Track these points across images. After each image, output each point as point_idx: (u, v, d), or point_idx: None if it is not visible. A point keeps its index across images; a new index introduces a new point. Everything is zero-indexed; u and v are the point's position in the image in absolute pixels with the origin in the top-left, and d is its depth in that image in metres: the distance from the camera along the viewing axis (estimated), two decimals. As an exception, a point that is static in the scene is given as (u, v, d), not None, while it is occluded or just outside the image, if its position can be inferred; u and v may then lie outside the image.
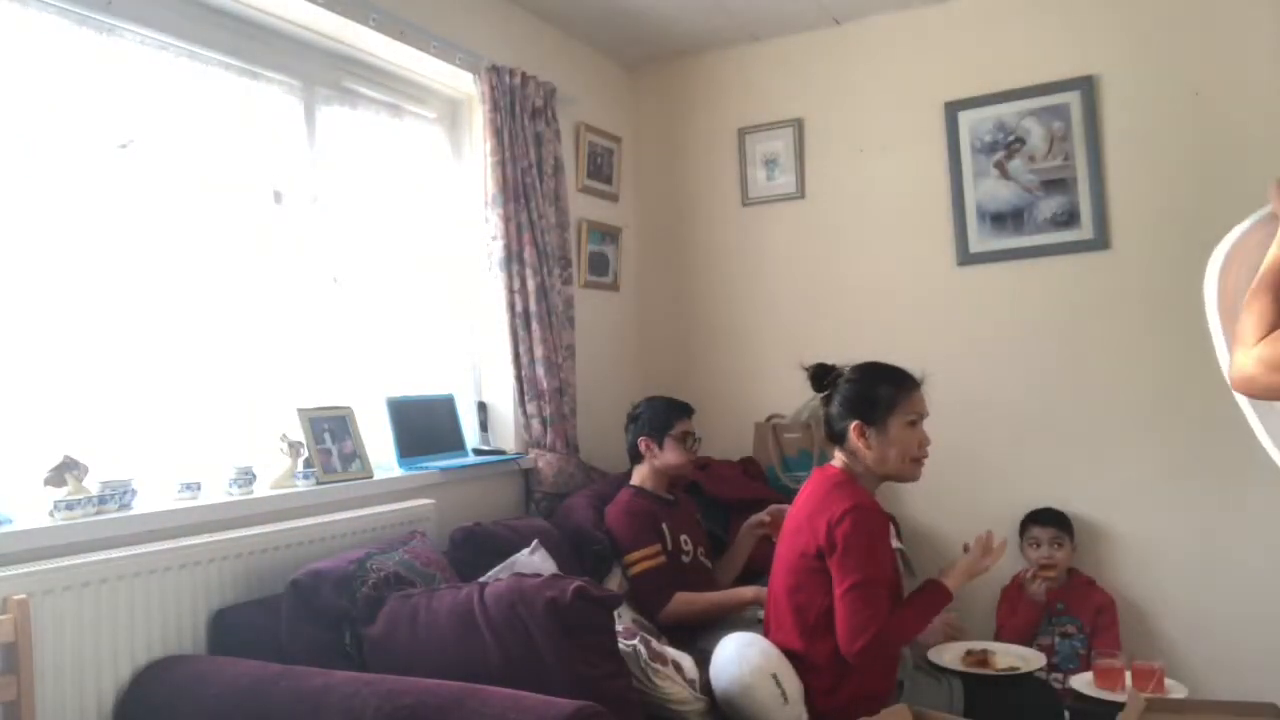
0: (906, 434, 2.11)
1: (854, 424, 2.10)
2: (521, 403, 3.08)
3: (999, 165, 3.33)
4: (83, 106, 2.09)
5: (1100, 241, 3.18)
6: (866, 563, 1.99)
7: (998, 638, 2.93)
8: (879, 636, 1.95)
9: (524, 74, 3.12)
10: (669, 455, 2.78)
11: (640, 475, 2.84)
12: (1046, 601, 2.99)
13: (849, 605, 1.97)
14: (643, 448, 2.81)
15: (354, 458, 2.52)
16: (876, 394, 2.12)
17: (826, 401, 2.20)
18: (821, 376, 2.23)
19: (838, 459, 2.18)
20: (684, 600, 2.60)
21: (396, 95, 3.00)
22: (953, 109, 3.39)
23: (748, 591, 2.66)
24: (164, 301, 2.24)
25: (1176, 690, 2.33)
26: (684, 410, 2.85)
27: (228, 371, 2.37)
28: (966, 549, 2.19)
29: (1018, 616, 3.02)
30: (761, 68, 3.76)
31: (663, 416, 2.81)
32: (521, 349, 3.05)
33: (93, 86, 2.12)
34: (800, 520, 2.10)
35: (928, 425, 2.18)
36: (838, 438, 2.17)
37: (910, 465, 2.14)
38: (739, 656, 2.03)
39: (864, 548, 2.00)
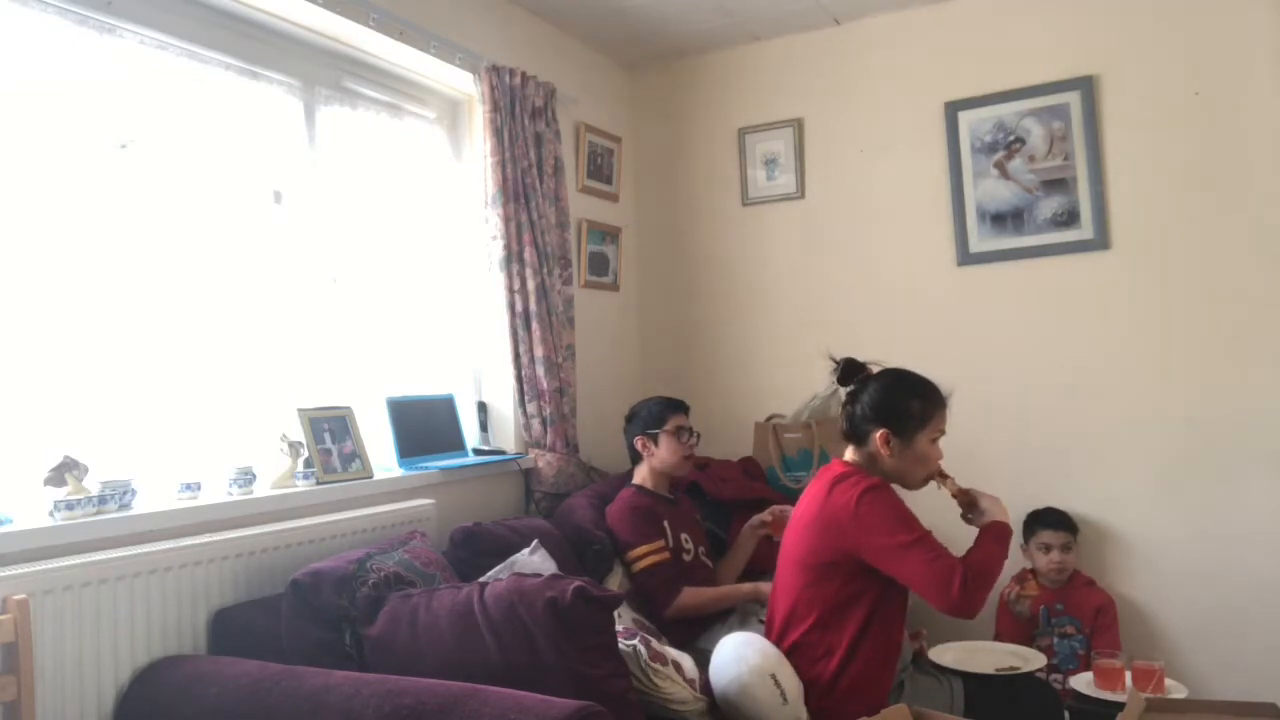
0: (929, 450, 2.12)
1: (881, 432, 2.09)
2: (521, 403, 3.08)
3: (999, 165, 3.33)
4: (83, 106, 2.09)
5: (1100, 241, 3.18)
6: (903, 525, 1.98)
7: (997, 638, 2.94)
8: (968, 573, 1.91)
9: (524, 74, 3.12)
10: (664, 451, 2.79)
11: (640, 475, 2.84)
12: (1033, 615, 3.00)
13: (921, 561, 1.93)
14: (639, 446, 2.82)
15: (354, 458, 2.52)
16: (909, 408, 2.10)
17: (851, 399, 2.18)
18: (851, 372, 2.20)
19: (849, 456, 2.17)
20: (693, 593, 2.60)
21: (396, 95, 3.00)
22: (953, 109, 3.39)
23: (745, 586, 2.67)
24: (164, 301, 2.24)
25: (1176, 690, 2.33)
26: (677, 406, 2.85)
27: (228, 371, 2.37)
28: (947, 480, 2.19)
29: (1005, 625, 3.03)
30: (761, 68, 3.76)
31: (656, 413, 2.82)
32: (521, 349, 3.05)
33: (93, 86, 2.11)
34: (813, 515, 2.09)
35: None
36: (858, 437, 2.15)
37: (925, 480, 2.15)
38: (738, 656, 2.03)
39: (892, 515, 1.99)
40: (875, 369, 2.21)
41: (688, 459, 2.84)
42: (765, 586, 2.54)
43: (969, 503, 2.16)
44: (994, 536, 2.06)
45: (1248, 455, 2.98)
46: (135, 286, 2.18)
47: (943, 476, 2.17)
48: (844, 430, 2.20)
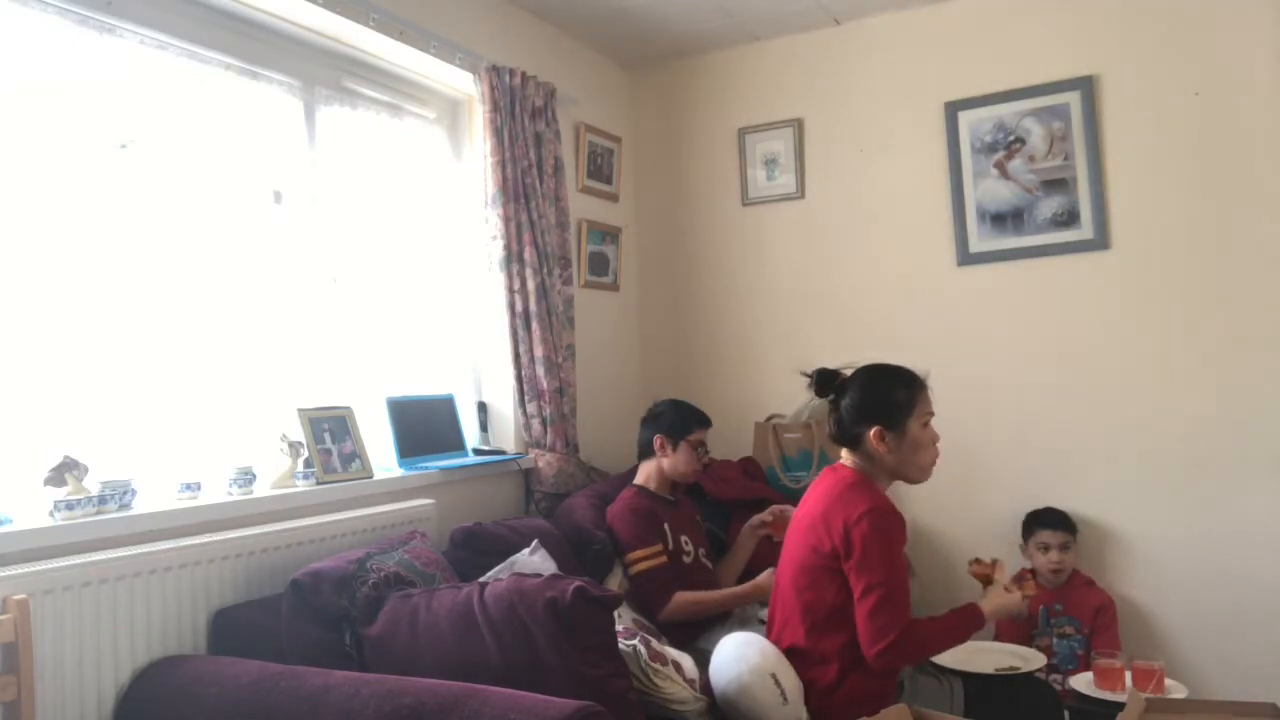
0: (923, 434, 2.12)
1: (874, 429, 2.09)
2: (521, 403, 3.08)
3: (999, 165, 3.33)
4: (83, 106, 2.09)
5: (1100, 241, 3.18)
6: (885, 564, 1.98)
7: (997, 638, 2.93)
8: (901, 640, 1.94)
9: (524, 74, 3.12)
10: (680, 459, 2.79)
11: (645, 474, 2.84)
12: (1031, 614, 3.00)
13: (870, 608, 1.96)
14: (657, 445, 2.81)
15: (354, 458, 2.52)
16: (894, 398, 2.11)
17: (834, 406, 2.19)
18: (827, 382, 2.21)
19: (849, 460, 2.17)
20: (684, 600, 2.60)
21: (396, 95, 3.00)
22: (953, 109, 3.39)
23: (742, 588, 2.65)
24: (164, 301, 2.24)
25: (1176, 690, 2.33)
26: (704, 420, 2.87)
27: (228, 371, 2.37)
28: (974, 563, 2.22)
29: (1005, 625, 3.03)
30: (761, 68, 3.76)
31: (684, 420, 2.83)
32: (521, 349, 3.05)
33: (93, 86, 2.12)
34: (814, 518, 2.09)
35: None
36: (851, 441, 2.15)
37: (929, 466, 2.14)
38: (738, 656, 2.03)
39: (882, 549, 1.99)
40: (848, 372, 2.21)
41: (697, 471, 2.85)
42: (764, 579, 2.54)
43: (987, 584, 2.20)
44: (959, 620, 2.07)
45: (1248, 455, 2.98)
46: (135, 286, 2.18)
47: (991, 564, 2.23)
48: (834, 436, 2.20)
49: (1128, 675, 2.33)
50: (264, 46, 2.54)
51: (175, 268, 2.27)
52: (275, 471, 2.36)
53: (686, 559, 2.73)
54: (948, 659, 2.34)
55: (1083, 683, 2.40)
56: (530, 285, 3.04)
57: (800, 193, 3.69)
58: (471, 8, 3.10)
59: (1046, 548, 3.06)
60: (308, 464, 2.40)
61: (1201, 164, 3.05)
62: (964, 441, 3.15)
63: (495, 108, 2.99)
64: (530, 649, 1.71)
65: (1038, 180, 3.28)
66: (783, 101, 3.72)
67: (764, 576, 2.57)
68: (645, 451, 2.86)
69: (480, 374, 3.21)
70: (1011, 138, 3.32)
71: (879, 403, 2.11)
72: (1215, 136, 3.04)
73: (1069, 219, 3.23)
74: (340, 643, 1.94)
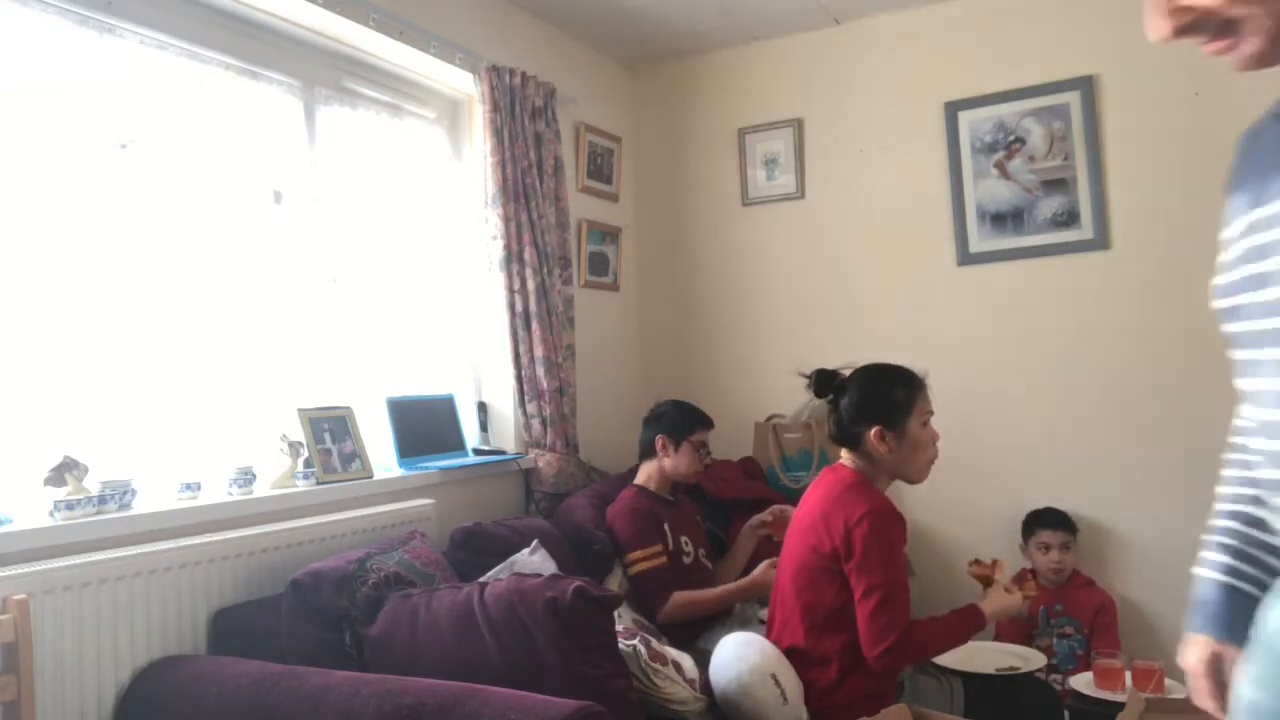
0: (922, 434, 2.12)
1: (874, 429, 2.08)
2: (521, 403, 3.08)
3: (999, 165, 3.33)
4: (83, 106, 2.09)
5: (1100, 241, 3.18)
6: (885, 566, 1.98)
7: (997, 638, 2.93)
8: (902, 641, 1.94)
9: (524, 74, 3.12)
10: (681, 460, 2.79)
11: (645, 474, 2.84)
12: (1031, 614, 2.99)
13: (871, 609, 1.96)
14: (659, 445, 2.81)
15: (354, 458, 2.52)
16: (893, 397, 2.11)
17: (834, 406, 2.19)
18: (825, 382, 2.21)
19: (848, 460, 2.17)
20: (682, 599, 2.60)
21: (396, 95, 3.00)
22: (953, 109, 3.39)
23: (739, 583, 2.65)
24: (164, 301, 2.24)
25: (1176, 690, 2.33)
26: (706, 421, 2.87)
27: (227, 371, 2.37)
28: (974, 563, 2.22)
29: (1005, 625, 3.03)
30: (761, 68, 3.76)
31: (686, 420, 2.83)
32: (521, 349, 3.05)
33: (93, 86, 2.11)
34: (814, 519, 2.09)
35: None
36: (851, 441, 2.15)
37: (927, 465, 2.14)
38: (738, 656, 2.03)
39: (882, 551, 1.99)
40: (847, 372, 2.21)
41: (699, 472, 2.85)
42: (760, 574, 2.54)
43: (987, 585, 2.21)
44: (960, 621, 2.07)
45: (1248, 455, 2.98)
46: (135, 286, 2.18)
47: (991, 564, 2.23)
48: (834, 436, 2.20)
49: (1128, 675, 2.33)
50: (264, 46, 2.54)
51: (175, 268, 2.27)
52: (275, 471, 2.36)
53: (686, 559, 2.73)
54: (948, 659, 2.34)
55: (1083, 683, 2.40)
56: (530, 285, 3.04)
57: (800, 193, 3.69)
58: (471, 8, 3.10)
59: (1047, 548, 3.05)
60: (308, 464, 2.40)
61: (1201, 164, 3.05)
62: (964, 441, 3.15)
63: (495, 108, 2.99)
64: (530, 649, 1.71)
65: (1038, 180, 3.28)
66: (783, 101, 3.72)
67: (760, 571, 2.57)
68: (647, 452, 2.87)
69: (480, 374, 3.21)
70: (1011, 138, 3.31)
71: (878, 402, 2.11)
72: (1215, 136, 3.03)
73: (1069, 219, 3.23)
74: (340, 643, 1.94)
